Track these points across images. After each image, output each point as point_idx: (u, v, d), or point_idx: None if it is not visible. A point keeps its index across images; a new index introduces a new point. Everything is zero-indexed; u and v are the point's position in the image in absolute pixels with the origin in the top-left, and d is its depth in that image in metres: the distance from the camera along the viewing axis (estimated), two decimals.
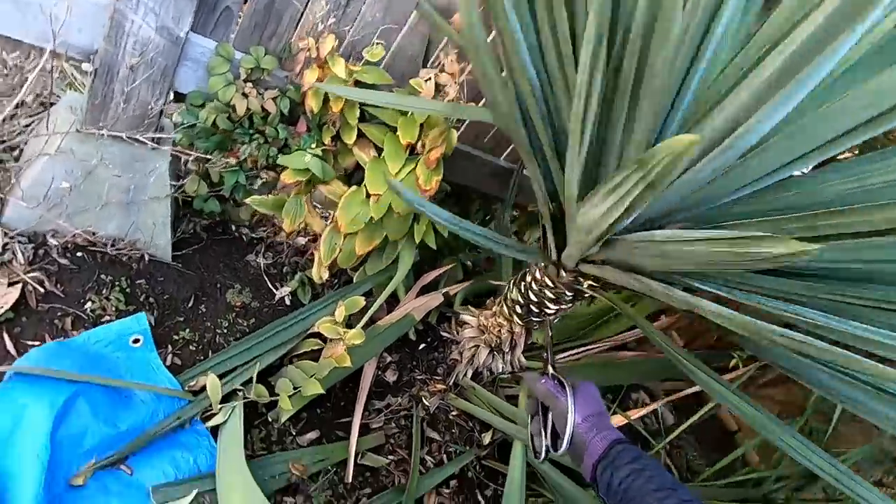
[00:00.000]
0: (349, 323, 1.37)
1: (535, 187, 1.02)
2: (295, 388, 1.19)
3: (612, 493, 0.62)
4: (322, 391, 1.16)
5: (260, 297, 1.42)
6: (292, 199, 1.26)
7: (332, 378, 1.26)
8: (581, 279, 1.15)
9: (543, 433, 0.79)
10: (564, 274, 1.16)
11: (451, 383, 1.56)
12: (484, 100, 1.49)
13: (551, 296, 1.23)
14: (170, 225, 1.25)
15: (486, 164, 1.76)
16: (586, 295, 1.22)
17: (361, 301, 1.33)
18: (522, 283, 1.31)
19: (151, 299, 1.21)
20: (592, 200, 0.74)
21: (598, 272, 1.05)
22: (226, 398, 1.12)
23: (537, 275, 1.25)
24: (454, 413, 1.51)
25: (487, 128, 1.68)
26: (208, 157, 1.15)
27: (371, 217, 1.28)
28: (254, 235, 1.55)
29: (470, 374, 1.59)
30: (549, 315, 1.30)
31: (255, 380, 1.12)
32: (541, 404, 0.85)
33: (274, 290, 1.46)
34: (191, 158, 1.11)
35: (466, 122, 1.62)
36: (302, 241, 1.62)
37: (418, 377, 1.54)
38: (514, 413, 1.47)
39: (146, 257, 1.24)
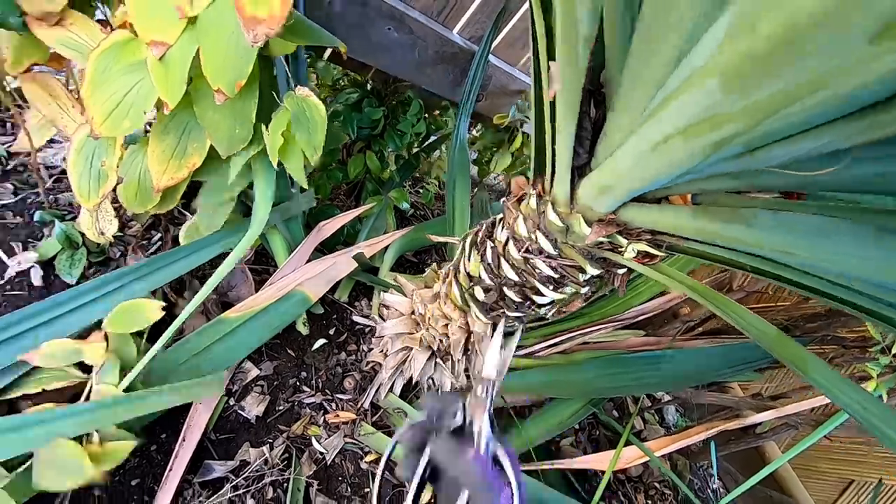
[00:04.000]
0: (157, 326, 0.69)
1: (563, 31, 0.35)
2: None
3: None
4: None
5: None
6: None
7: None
8: (624, 235, 0.51)
9: None
10: (584, 225, 0.52)
11: (364, 406, 0.94)
12: None
13: (549, 271, 0.59)
14: None
15: (426, 38, 1.04)
16: (621, 271, 0.59)
17: (152, 311, 0.64)
18: (489, 244, 0.66)
19: None
20: None
21: (690, 224, 0.41)
22: None
23: (521, 227, 0.60)
24: (370, 458, 0.90)
25: None
26: None
27: (162, 103, 0.57)
28: None
29: (398, 388, 0.97)
30: (541, 308, 0.67)
31: None
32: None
33: (5, 261, 0.74)
34: None
35: None
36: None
37: (308, 400, 0.90)
38: None
39: None
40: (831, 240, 0.30)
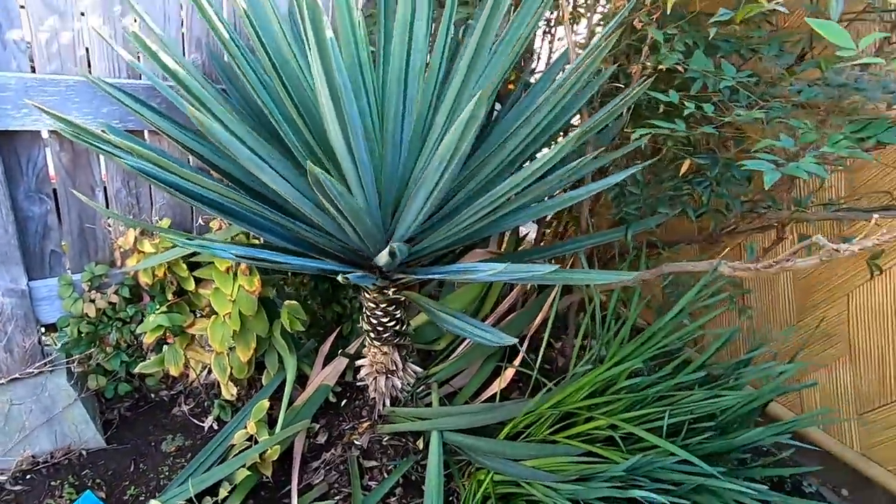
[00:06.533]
0: (271, 415, 1.67)
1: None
2: (233, 486, 1.48)
3: None
4: (250, 472, 1.45)
5: (191, 435, 1.72)
6: (168, 350, 1.60)
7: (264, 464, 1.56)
8: (398, 290, 1.50)
9: None
10: (389, 292, 1.51)
11: (375, 417, 1.86)
12: None
13: (380, 312, 1.57)
14: (92, 420, 1.57)
15: None
16: (402, 301, 1.57)
17: (265, 405, 1.65)
18: (364, 312, 1.66)
19: (98, 480, 1.50)
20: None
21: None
22: None
23: (367, 295, 1.59)
24: (387, 439, 1.80)
25: None
26: (89, 358, 1.49)
27: (233, 330, 1.62)
28: (172, 392, 1.87)
29: (388, 402, 1.88)
30: (393, 328, 1.64)
31: (192, 496, 1.40)
32: None
33: (201, 424, 1.76)
34: (73, 365, 1.44)
35: None
36: (213, 376, 1.94)
37: (346, 427, 1.83)
38: (429, 413, 1.76)
39: (83, 453, 1.55)
40: None
